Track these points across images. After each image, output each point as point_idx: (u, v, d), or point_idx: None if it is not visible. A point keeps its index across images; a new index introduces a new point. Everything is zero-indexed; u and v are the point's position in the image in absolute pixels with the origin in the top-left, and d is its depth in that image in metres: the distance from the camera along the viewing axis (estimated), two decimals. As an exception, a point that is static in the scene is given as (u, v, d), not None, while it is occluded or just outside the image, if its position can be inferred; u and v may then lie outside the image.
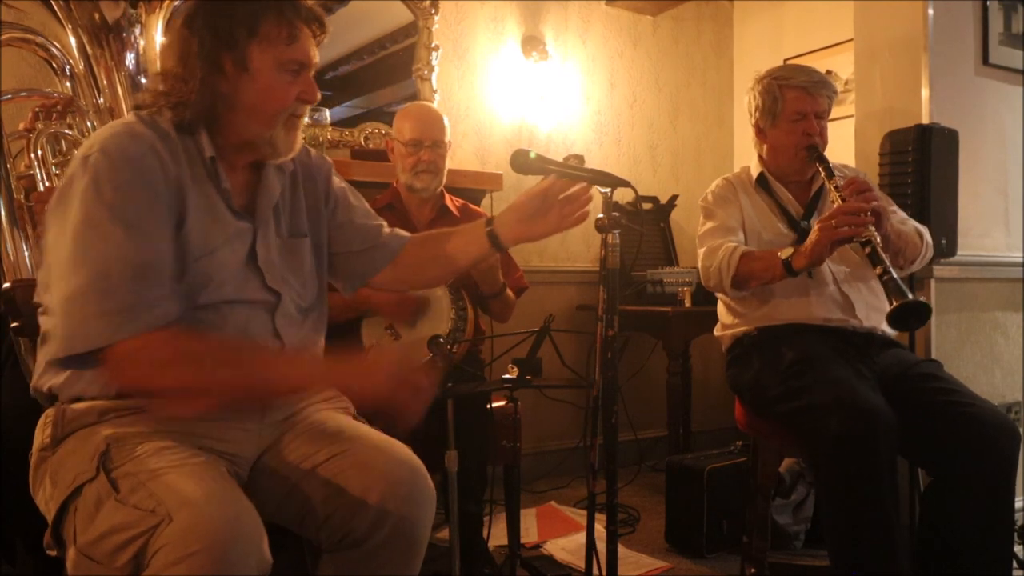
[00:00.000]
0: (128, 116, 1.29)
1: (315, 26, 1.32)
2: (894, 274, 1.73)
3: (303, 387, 1.17)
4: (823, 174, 2.02)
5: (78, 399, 1.22)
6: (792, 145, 2.11)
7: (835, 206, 1.91)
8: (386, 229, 1.57)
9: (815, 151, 2.07)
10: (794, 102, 2.10)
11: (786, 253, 1.93)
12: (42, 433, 1.24)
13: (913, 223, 2.12)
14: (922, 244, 2.07)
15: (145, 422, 1.19)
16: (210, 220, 1.27)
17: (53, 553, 1.19)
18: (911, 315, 1.69)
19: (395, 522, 1.23)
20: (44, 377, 1.24)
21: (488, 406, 2.14)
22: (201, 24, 1.25)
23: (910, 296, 1.68)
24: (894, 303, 1.68)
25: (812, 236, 1.88)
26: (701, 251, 2.14)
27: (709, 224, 2.16)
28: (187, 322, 1.20)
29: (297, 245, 1.43)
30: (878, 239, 1.80)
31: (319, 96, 1.35)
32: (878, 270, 1.75)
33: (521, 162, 1.42)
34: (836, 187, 1.95)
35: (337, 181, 1.55)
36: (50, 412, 1.25)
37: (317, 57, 1.35)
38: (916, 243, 2.06)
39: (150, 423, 1.20)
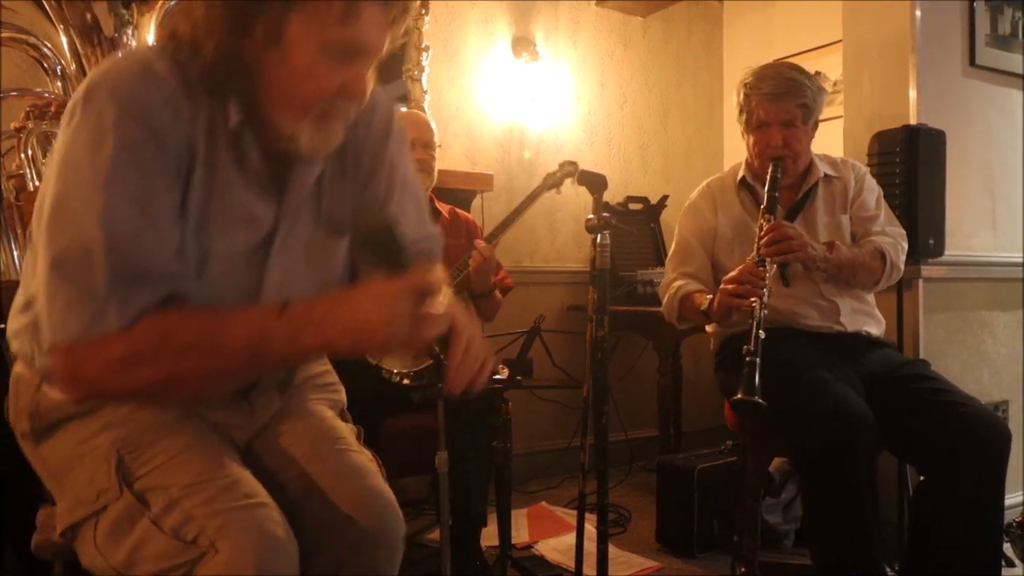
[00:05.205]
0: (148, 49, 1.05)
1: (392, 4, 1.03)
2: (756, 360, 1.74)
3: (283, 355, 0.98)
4: (764, 206, 2.00)
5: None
6: (758, 153, 2.11)
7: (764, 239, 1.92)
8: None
9: (778, 165, 2.03)
10: (758, 110, 2.07)
11: (705, 304, 1.99)
12: (16, 418, 1.13)
13: (878, 242, 2.06)
14: (884, 266, 2.03)
15: (141, 412, 1.09)
16: (216, 203, 1.05)
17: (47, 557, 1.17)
18: (747, 410, 1.71)
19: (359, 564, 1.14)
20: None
21: (494, 406, 2.16)
22: None
23: (739, 395, 1.69)
24: (738, 395, 1.70)
25: (715, 297, 1.95)
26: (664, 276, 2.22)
27: (675, 243, 2.24)
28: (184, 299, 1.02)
29: (331, 244, 1.19)
30: (761, 312, 1.81)
31: (367, 94, 1.07)
32: (745, 349, 1.77)
33: None
34: (760, 227, 1.95)
35: (395, 169, 1.23)
36: (22, 396, 1.13)
37: (385, 45, 1.06)
38: (873, 268, 2.03)
39: (146, 414, 1.09)
